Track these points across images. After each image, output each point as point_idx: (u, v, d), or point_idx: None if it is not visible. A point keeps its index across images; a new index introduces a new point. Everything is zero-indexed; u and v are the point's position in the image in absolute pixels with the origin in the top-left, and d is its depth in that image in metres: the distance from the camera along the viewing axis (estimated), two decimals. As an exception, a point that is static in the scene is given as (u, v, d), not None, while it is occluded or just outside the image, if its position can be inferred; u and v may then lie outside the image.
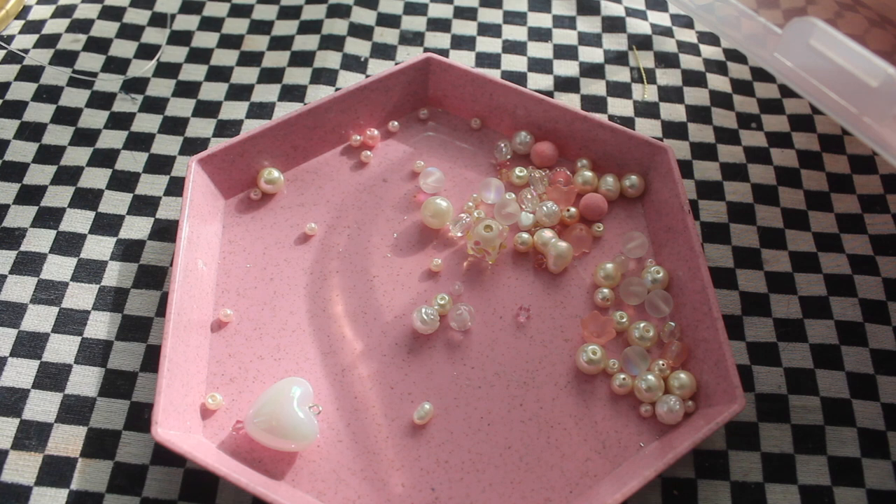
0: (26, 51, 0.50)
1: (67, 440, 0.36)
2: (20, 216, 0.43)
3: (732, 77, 0.51)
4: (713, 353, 0.37)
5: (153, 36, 0.52)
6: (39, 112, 0.47)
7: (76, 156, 0.45)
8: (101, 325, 0.39)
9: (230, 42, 0.52)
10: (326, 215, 0.43)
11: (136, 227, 0.43)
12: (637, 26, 0.54)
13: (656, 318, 0.40)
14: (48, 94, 0.48)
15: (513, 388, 0.38)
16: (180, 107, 0.48)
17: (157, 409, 0.34)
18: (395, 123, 0.47)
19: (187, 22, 0.52)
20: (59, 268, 0.41)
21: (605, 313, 0.41)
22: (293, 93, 0.49)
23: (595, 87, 0.50)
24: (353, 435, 0.36)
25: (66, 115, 0.47)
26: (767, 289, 0.42)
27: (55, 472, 0.35)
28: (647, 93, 0.50)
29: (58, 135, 0.46)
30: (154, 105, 0.48)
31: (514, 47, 0.52)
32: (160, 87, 0.49)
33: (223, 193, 0.43)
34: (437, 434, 0.37)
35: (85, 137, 0.46)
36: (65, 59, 0.50)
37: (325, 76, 0.50)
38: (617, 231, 0.44)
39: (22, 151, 0.45)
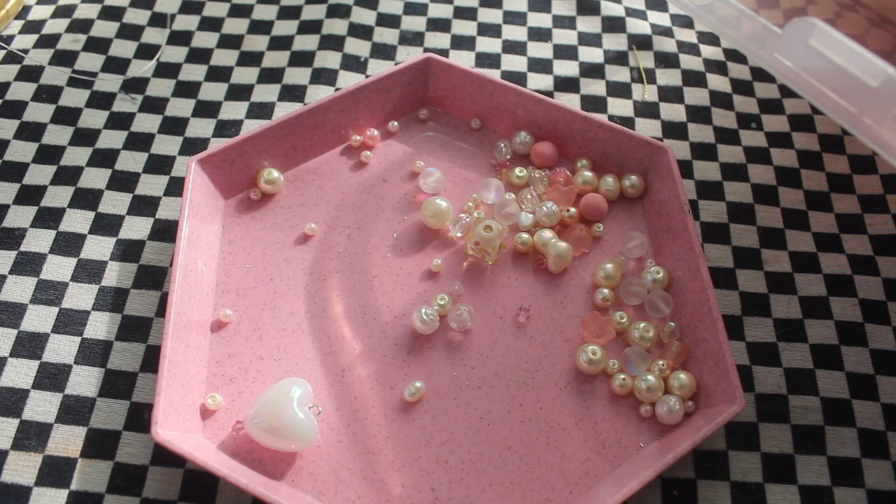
0: (26, 51, 0.50)
1: (67, 440, 0.36)
2: (20, 216, 0.43)
3: (732, 77, 0.51)
4: (713, 353, 0.37)
5: (153, 36, 0.52)
6: (39, 112, 0.47)
7: (76, 156, 0.45)
8: (100, 326, 0.39)
9: (230, 42, 0.52)
10: (326, 215, 0.43)
11: (136, 228, 0.43)
12: (637, 26, 0.54)
13: (656, 318, 0.40)
14: (48, 94, 0.48)
15: (513, 388, 0.38)
16: (180, 107, 0.48)
17: (157, 409, 0.34)
18: (395, 123, 0.47)
19: (187, 22, 0.52)
20: (58, 268, 0.41)
21: (605, 313, 0.40)
22: (293, 93, 0.49)
23: (595, 87, 0.50)
24: (353, 435, 0.36)
25: (66, 115, 0.47)
26: (767, 289, 0.42)
27: (55, 472, 0.35)
28: (646, 93, 0.50)
29: (57, 135, 0.46)
30: (154, 105, 0.48)
31: (514, 47, 0.52)
32: (160, 87, 0.49)
33: (223, 193, 0.43)
34: (437, 434, 0.37)
35: (85, 137, 0.46)
36: (65, 59, 0.50)
37: (324, 76, 0.50)
38: (617, 231, 0.43)
39: (22, 151, 0.45)
